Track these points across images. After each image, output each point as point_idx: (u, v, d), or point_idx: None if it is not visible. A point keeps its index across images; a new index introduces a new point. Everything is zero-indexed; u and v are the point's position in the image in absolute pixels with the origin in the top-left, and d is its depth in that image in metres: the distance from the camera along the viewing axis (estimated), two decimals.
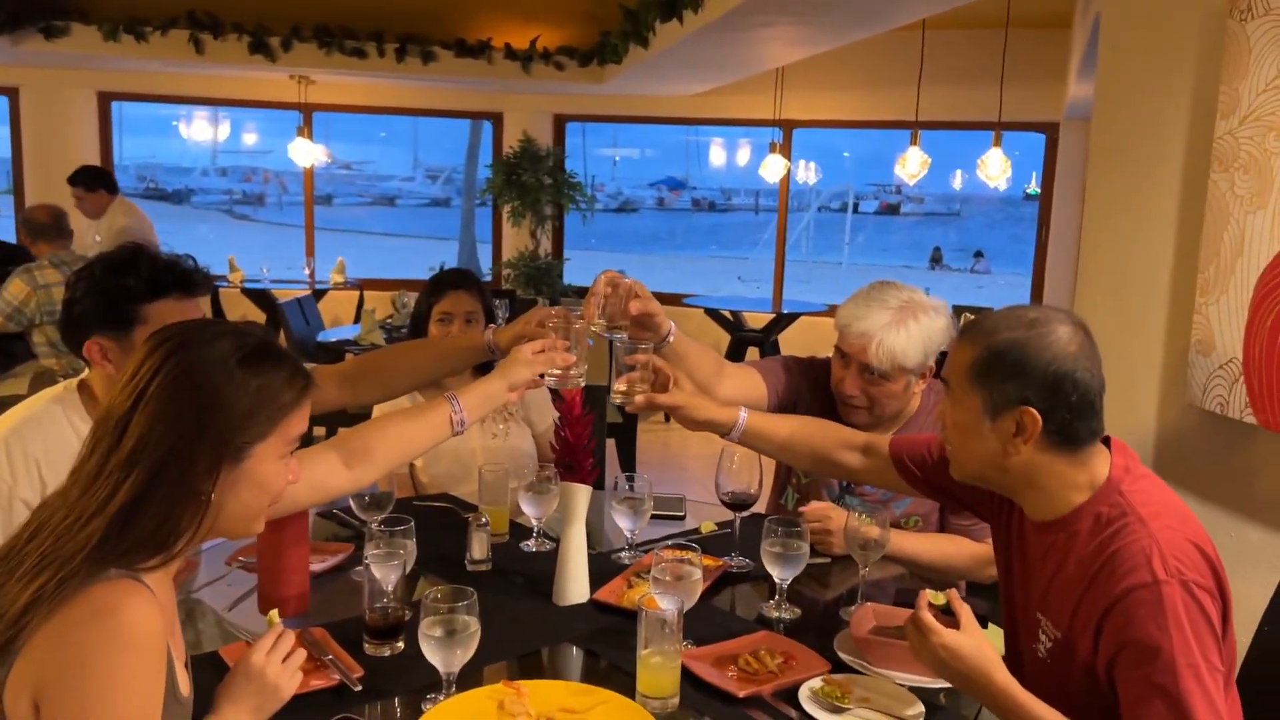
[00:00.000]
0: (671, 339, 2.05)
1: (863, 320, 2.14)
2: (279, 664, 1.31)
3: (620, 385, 1.88)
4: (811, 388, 2.34)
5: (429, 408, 1.69)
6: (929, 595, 1.45)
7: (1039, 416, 1.41)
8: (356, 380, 2.17)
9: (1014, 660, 1.59)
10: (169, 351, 1.19)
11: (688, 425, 1.95)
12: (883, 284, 2.23)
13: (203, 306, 1.94)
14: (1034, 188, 8.99)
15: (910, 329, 2.12)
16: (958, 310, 6.08)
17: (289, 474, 1.29)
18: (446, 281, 2.74)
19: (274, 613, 1.42)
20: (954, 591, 1.45)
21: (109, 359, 1.78)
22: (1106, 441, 1.50)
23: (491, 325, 2.29)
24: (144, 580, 1.15)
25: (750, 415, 1.94)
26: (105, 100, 7.55)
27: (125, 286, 1.80)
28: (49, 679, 1.08)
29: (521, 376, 1.76)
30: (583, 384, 1.89)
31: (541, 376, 1.80)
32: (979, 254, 20.04)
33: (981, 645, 1.40)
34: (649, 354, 1.90)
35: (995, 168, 5.94)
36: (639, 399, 1.87)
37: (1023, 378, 1.41)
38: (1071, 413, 1.42)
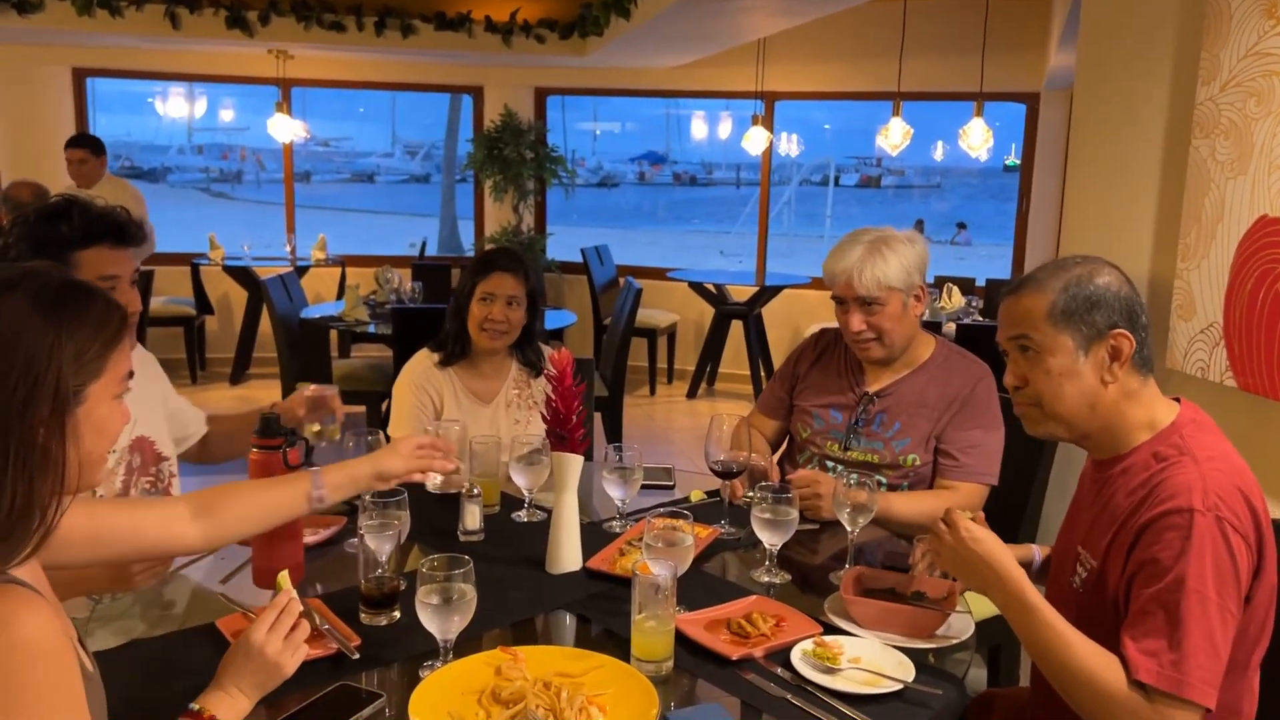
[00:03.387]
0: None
1: (843, 260, 2.31)
2: (279, 642, 1.31)
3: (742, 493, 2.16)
4: (804, 363, 2.54)
5: (289, 480, 1.64)
6: (956, 508, 1.59)
7: (1132, 337, 1.50)
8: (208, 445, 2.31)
9: (1049, 597, 1.62)
10: None
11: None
12: (855, 231, 2.40)
13: (135, 259, 1.97)
14: (1013, 159, 9.02)
15: (885, 255, 2.29)
16: (939, 280, 6.11)
17: (124, 415, 1.23)
18: (493, 262, 2.69)
19: (284, 575, 1.40)
20: (981, 514, 1.60)
21: None
22: (1176, 401, 1.57)
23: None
24: (22, 580, 1.09)
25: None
26: (80, 76, 7.44)
27: (58, 233, 1.85)
28: None
29: (393, 469, 1.69)
30: (465, 486, 2.04)
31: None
32: (961, 225, 20.10)
33: (997, 540, 1.52)
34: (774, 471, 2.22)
35: (977, 138, 5.95)
36: (824, 512, 2.09)
37: (1104, 307, 1.50)
38: (1145, 334, 1.53)
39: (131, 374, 1.23)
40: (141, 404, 2.09)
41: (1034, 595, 1.46)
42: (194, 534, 1.50)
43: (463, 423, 2.30)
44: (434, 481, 1.79)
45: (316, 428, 2.17)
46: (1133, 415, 1.53)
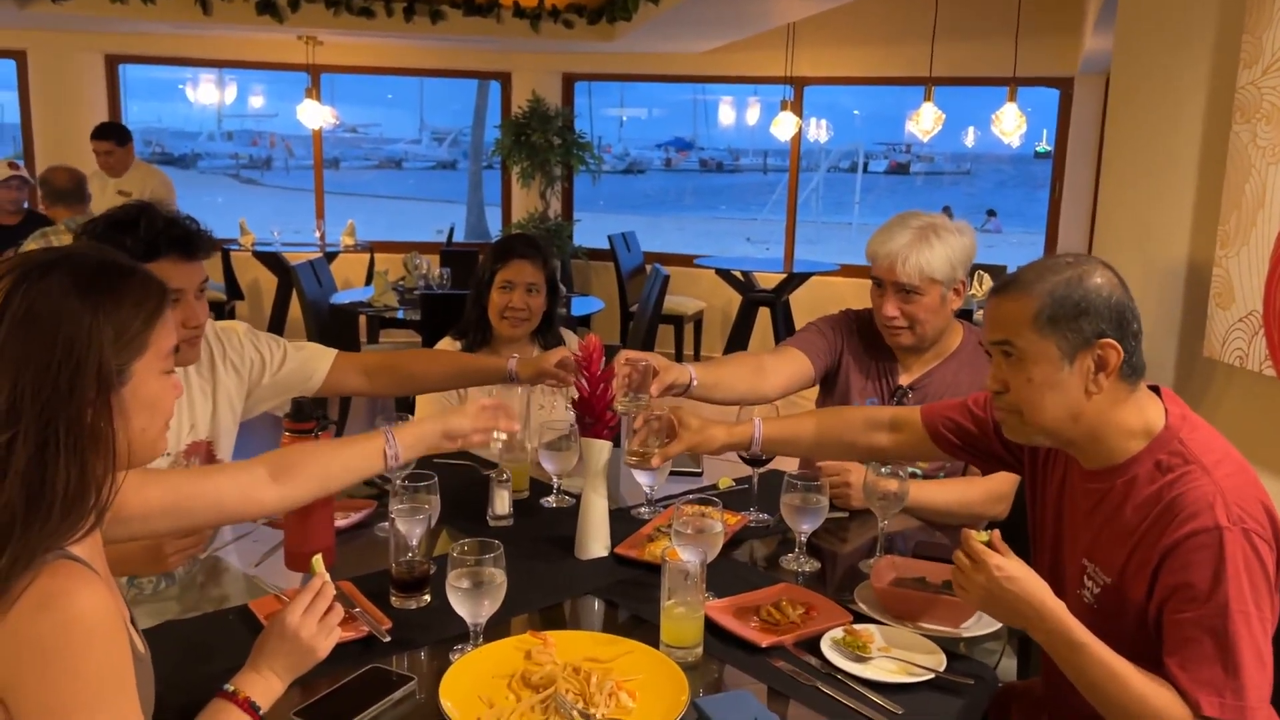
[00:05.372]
0: (695, 385, 2.09)
1: (888, 244, 2.25)
2: (313, 624, 1.31)
3: (634, 447, 1.90)
4: (849, 340, 2.43)
5: (364, 439, 1.63)
6: (972, 534, 1.45)
7: (1120, 347, 1.42)
8: (375, 375, 2.26)
9: None
10: (3, 295, 1.09)
11: (710, 454, 2.00)
12: (905, 213, 2.33)
13: (206, 269, 1.94)
14: (1044, 145, 8.91)
15: (933, 244, 2.23)
16: (970, 268, 6.05)
17: (175, 387, 1.23)
18: (511, 249, 2.68)
19: (318, 559, 1.41)
20: (997, 532, 1.45)
21: None
22: (1155, 391, 1.51)
23: (515, 356, 2.28)
24: (79, 557, 1.10)
25: (766, 425, 1.96)
26: (113, 63, 7.51)
27: (122, 245, 1.80)
28: (10, 678, 1.04)
29: (459, 428, 1.67)
30: (523, 459, 2.06)
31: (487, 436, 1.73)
32: (991, 213, 19.89)
33: (1032, 573, 1.41)
34: (648, 409, 1.92)
35: (1010, 123, 5.88)
36: (654, 460, 1.88)
37: (1092, 314, 1.42)
38: (1135, 341, 1.45)
39: (178, 348, 1.24)
40: (201, 408, 2.09)
41: (1080, 631, 1.38)
42: (272, 496, 1.51)
43: (526, 387, 2.24)
44: (497, 443, 1.77)
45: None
46: (1122, 422, 1.46)
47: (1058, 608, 1.39)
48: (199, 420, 2.06)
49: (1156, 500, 1.41)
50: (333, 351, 2.25)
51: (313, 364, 2.22)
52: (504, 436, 1.77)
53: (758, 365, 2.31)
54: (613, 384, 1.93)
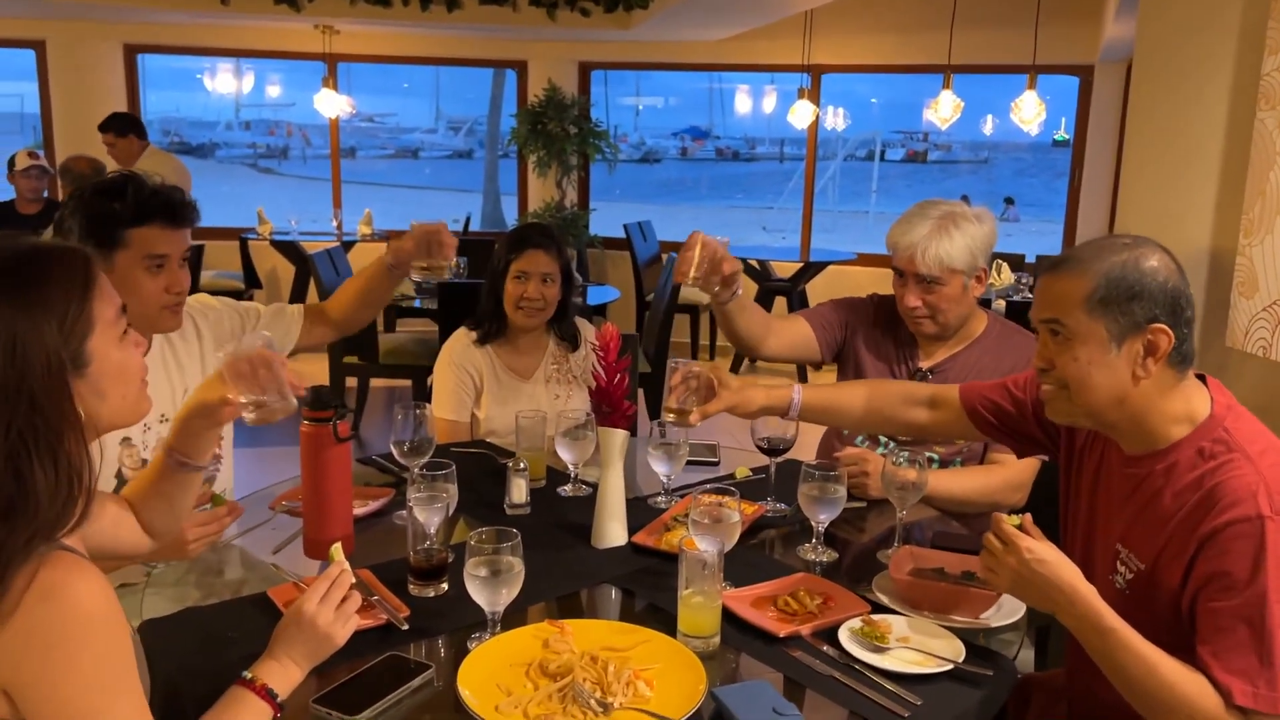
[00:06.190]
0: (738, 293, 2.20)
1: (908, 234, 2.24)
2: (330, 613, 1.32)
3: (671, 403, 1.92)
4: (863, 321, 2.44)
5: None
6: (1004, 518, 1.44)
7: (1171, 333, 1.40)
8: (326, 316, 2.38)
9: None
10: None
11: (747, 417, 2.00)
12: (924, 202, 2.32)
13: (187, 239, 2.00)
14: (1063, 134, 8.83)
15: (952, 234, 2.22)
16: (990, 257, 6.01)
17: (137, 345, 1.22)
18: (525, 239, 2.67)
19: (336, 547, 1.41)
20: (1029, 516, 1.44)
21: None
22: (1201, 379, 1.49)
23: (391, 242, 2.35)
24: (74, 548, 1.11)
25: (806, 391, 1.96)
26: (131, 53, 7.53)
27: (111, 210, 1.89)
28: (14, 671, 1.05)
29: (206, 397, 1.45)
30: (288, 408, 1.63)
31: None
32: (1009, 201, 19.75)
33: (1063, 556, 1.40)
34: (688, 366, 1.93)
35: (1030, 111, 5.82)
36: (692, 417, 1.90)
37: (1146, 298, 1.40)
38: (1188, 328, 1.42)
39: (125, 308, 1.21)
40: (191, 373, 2.12)
41: (1111, 617, 1.36)
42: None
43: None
44: (249, 409, 1.45)
45: (424, 264, 2.20)
46: (1167, 409, 1.44)
47: (1088, 592, 1.37)
48: (190, 385, 2.08)
49: (1197, 487, 1.39)
50: (298, 306, 2.35)
51: (288, 318, 2.31)
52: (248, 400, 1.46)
53: (767, 322, 2.38)
54: (684, 258, 2.03)
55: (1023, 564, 1.39)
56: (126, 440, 2.00)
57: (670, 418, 1.91)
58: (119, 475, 1.99)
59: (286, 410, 1.45)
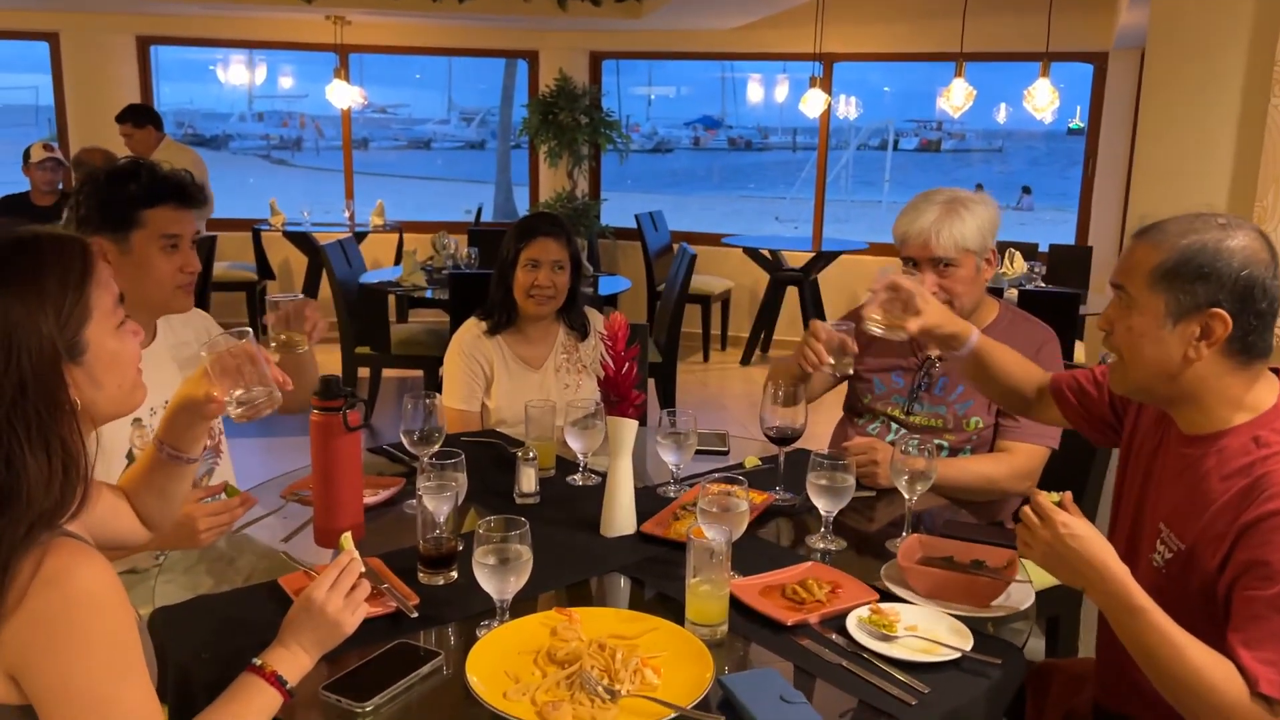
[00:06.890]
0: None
1: (917, 221, 2.26)
2: (339, 601, 1.32)
3: (875, 313, 1.93)
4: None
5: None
6: (1043, 494, 1.44)
7: (1229, 320, 1.38)
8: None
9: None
10: None
11: (928, 340, 1.98)
12: (926, 191, 2.34)
13: (197, 221, 2.08)
14: (1077, 122, 8.76)
15: (962, 215, 2.24)
16: (1001, 246, 5.98)
17: (134, 334, 1.23)
18: (535, 228, 2.67)
19: (346, 536, 1.42)
20: (1069, 493, 1.44)
21: (108, 261, 1.82)
22: (1277, 373, 1.48)
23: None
24: (77, 534, 1.11)
25: (980, 337, 1.95)
26: (144, 45, 7.56)
27: (125, 192, 1.96)
28: (19, 656, 1.05)
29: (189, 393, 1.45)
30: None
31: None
32: (1026, 189, 19.63)
33: (1098, 533, 1.39)
34: (895, 276, 1.93)
35: (1043, 98, 5.77)
36: (912, 325, 1.88)
37: (1214, 280, 1.38)
38: (1258, 320, 1.40)
39: (123, 298, 1.22)
40: (192, 369, 2.12)
41: (1141, 597, 1.35)
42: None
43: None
44: (234, 405, 1.43)
45: (283, 336, 2.02)
46: (1225, 392, 1.43)
47: (1120, 570, 1.37)
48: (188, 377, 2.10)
49: (1246, 474, 1.38)
50: None
51: None
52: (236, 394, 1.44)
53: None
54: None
55: (1057, 538, 1.39)
56: (138, 421, 2.01)
57: (878, 330, 1.92)
58: (129, 455, 2.00)
59: (272, 403, 1.45)
